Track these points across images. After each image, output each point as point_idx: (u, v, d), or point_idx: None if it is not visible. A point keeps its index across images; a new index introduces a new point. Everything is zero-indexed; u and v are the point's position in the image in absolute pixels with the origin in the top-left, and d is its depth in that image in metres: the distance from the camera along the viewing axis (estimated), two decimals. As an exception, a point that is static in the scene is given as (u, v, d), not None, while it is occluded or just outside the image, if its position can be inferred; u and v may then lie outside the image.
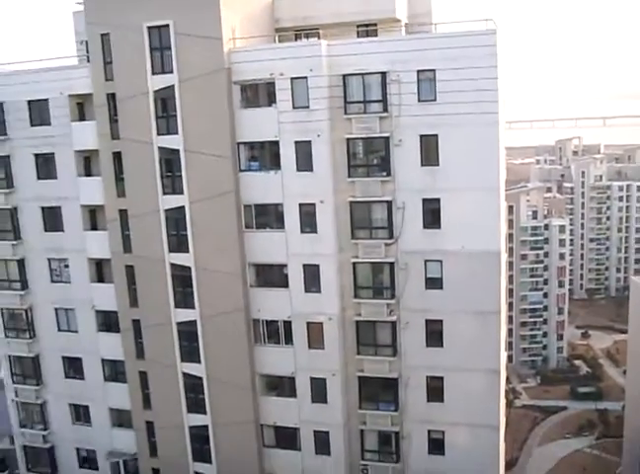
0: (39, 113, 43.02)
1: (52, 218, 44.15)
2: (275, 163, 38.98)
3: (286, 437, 42.65)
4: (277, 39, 41.50)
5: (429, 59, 35.95)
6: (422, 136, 36.95)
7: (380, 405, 40.61)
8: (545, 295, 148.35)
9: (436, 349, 39.00)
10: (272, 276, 40.71)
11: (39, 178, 43.89)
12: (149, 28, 38.71)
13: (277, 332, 41.08)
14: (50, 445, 48.82)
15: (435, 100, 36.33)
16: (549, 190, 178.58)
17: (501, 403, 40.01)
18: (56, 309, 45.72)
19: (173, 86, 38.82)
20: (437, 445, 40.58)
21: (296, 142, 38.09)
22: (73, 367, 46.51)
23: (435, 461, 40.68)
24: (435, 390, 39.69)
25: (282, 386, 42.27)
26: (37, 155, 43.65)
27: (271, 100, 38.74)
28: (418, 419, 40.22)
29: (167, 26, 38.30)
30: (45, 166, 43.58)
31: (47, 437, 48.67)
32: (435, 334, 38.95)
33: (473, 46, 35.25)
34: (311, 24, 42.52)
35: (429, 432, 40.53)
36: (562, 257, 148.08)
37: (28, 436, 49.21)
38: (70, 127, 42.23)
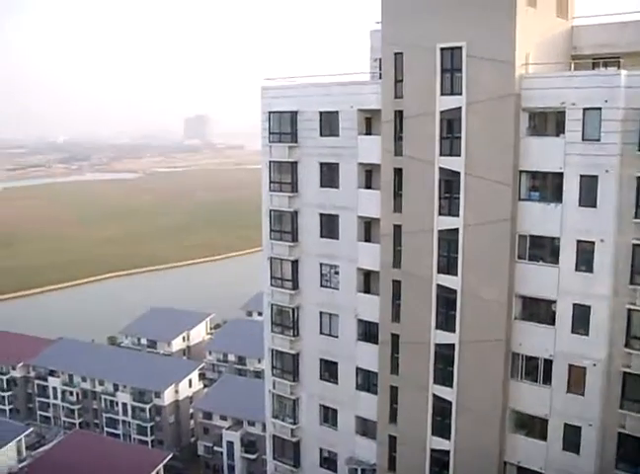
0: (328, 124, 45.23)
1: (329, 225, 46.10)
2: (556, 195, 37.59)
3: (529, 480, 40.95)
4: (572, 66, 40.08)
5: None
6: None
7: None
8: None
9: None
10: (538, 310, 39.28)
11: (321, 185, 46.06)
12: (442, 49, 39.17)
13: (535, 369, 39.54)
14: (297, 440, 50.87)
15: None
16: None
17: None
18: (321, 313, 47.62)
19: (460, 108, 38.89)
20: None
21: (581, 176, 36.46)
22: (329, 371, 48.22)
23: None
24: None
25: (533, 426, 40.54)
26: (322, 164, 45.85)
27: (559, 129, 37.46)
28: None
29: (460, 48, 38.54)
30: (329, 175, 45.64)
31: (295, 432, 50.77)
32: None
33: None
34: (612, 52, 40.49)
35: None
36: None
37: (278, 427, 51.73)
38: (356, 140, 43.85)
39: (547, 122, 38.75)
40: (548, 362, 38.90)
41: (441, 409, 42.28)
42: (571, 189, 36.81)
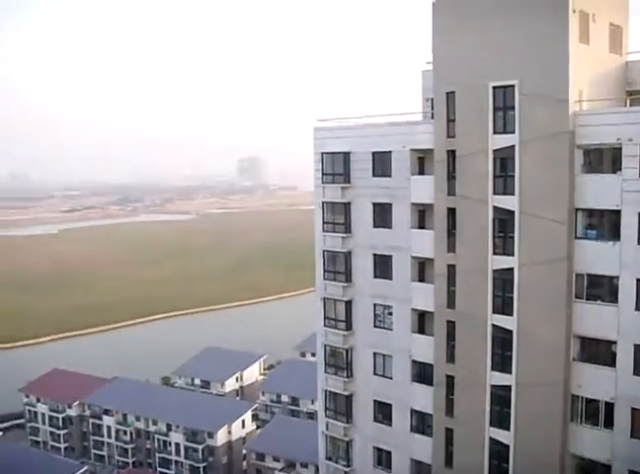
0: (381, 164, 45.33)
1: (383, 266, 45.90)
2: (613, 233, 36.85)
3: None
4: (627, 102, 39.59)
5: None
6: None
7: None
8: None
9: None
10: (598, 351, 38.26)
11: (374, 226, 46.00)
12: (494, 87, 39.13)
13: (596, 412, 38.37)
14: (350, 483, 50.19)
15: None
16: None
17: None
18: (375, 353, 47.14)
19: (513, 146, 38.64)
20: None
21: (640, 213, 35.75)
22: (382, 412, 47.57)
23: None
24: None
25: (595, 472, 39.08)
26: (374, 204, 45.87)
27: (615, 166, 36.85)
28: None
29: (512, 86, 38.44)
30: (382, 215, 45.59)
31: (349, 474, 50.10)
32: None
33: None
34: (669, 86, 40.10)
35: None
36: None
37: (331, 470, 51.05)
38: (409, 180, 43.83)
39: (603, 159, 38.16)
40: (609, 405, 37.70)
41: (498, 452, 41.26)
42: (629, 226, 36.05)
